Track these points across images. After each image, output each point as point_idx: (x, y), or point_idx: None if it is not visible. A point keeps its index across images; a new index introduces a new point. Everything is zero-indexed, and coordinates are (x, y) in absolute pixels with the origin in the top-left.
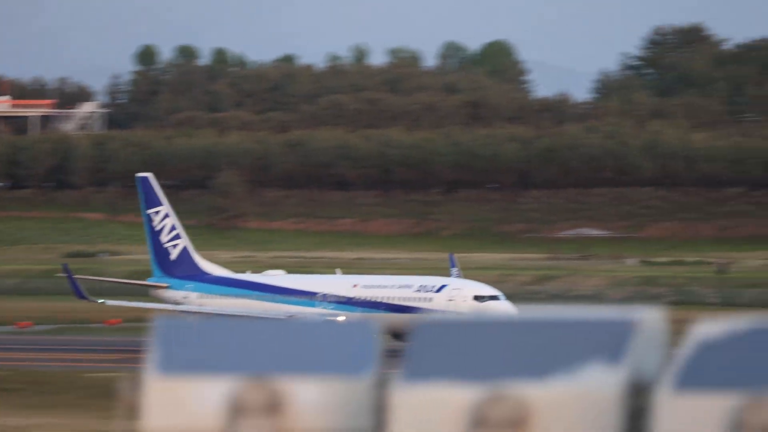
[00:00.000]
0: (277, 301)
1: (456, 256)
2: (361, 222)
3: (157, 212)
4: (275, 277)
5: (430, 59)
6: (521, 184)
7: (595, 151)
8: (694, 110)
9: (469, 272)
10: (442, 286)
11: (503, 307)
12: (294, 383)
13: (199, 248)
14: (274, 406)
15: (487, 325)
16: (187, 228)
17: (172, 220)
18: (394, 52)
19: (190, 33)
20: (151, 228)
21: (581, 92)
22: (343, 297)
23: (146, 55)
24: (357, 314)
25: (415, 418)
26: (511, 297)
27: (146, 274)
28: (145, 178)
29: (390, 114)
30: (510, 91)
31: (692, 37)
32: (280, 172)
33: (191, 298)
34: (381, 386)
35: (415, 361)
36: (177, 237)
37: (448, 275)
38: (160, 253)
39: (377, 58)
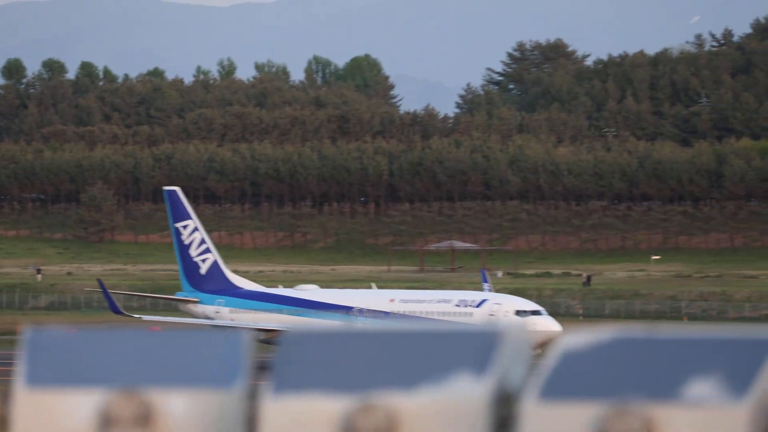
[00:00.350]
0: (313, 316)
1: (487, 272)
2: (231, 235)
3: (185, 226)
4: (309, 292)
5: (297, 74)
6: (389, 197)
7: (461, 165)
8: (557, 125)
9: (339, 284)
10: (483, 301)
11: (545, 322)
12: (164, 395)
13: (69, 261)
14: (144, 419)
15: (356, 335)
16: (57, 242)
17: (201, 233)
18: (261, 67)
19: (56, 47)
20: (180, 242)
21: (448, 107)
22: (380, 311)
23: (12, 69)
24: None
25: (285, 430)
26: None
27: (20, 287)
28: (173, 192)
29: (259, 128)
30: (377, 105)
31: (554, 53)
32: (149, 186)
33: (223, 313)
34: (252, 398)
35: (284, 372)
36: (207, 251)
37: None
38: (189, 267)
39: (245, 73)
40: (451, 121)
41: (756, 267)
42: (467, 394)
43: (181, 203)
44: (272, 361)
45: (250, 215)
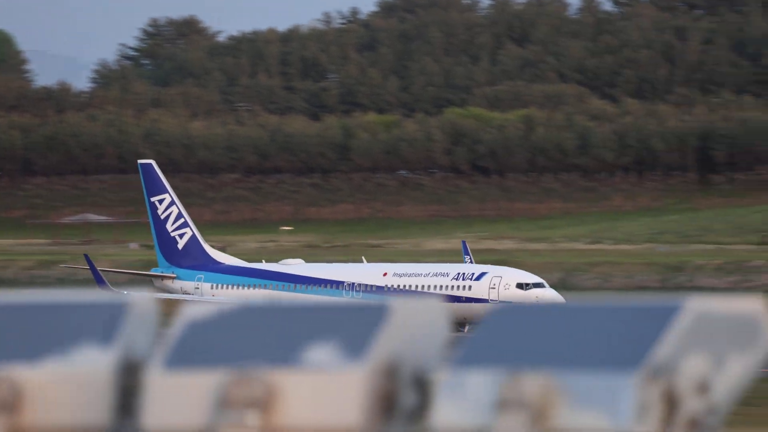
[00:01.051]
0: (301, 291)
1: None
2: None
3: (161, 200)
4: (295, 266)
5: None
6: (24, 170)
7: (96, 138)
8: (192, 100)
9: None
10: (482, 274)
11: (549, 294)
12: None
13: None
14: None
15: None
16: None
17: (178, 207)
18: None
19: None
20: (155, 216)
21: (82, 81)
22: (372, 286)
23: None
24: None
25: None
26: (12, 282)
27: None
28: (149, 165)
29: None
30: (10, 80)
31: (187, 29)
32: None
33: (204, 289)
34: None
35: None
36: (184, 225)
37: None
38: (166, 242)
39: None
40: (85, 95)
41: (381, 237)
42: (92, 364)
43: (157, 176)
44: None
45: None
